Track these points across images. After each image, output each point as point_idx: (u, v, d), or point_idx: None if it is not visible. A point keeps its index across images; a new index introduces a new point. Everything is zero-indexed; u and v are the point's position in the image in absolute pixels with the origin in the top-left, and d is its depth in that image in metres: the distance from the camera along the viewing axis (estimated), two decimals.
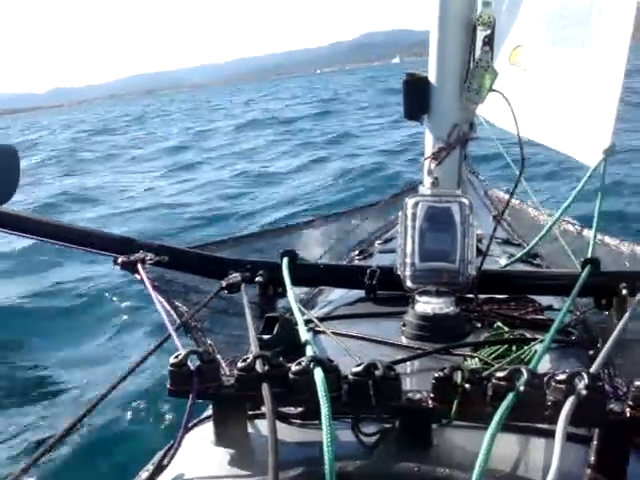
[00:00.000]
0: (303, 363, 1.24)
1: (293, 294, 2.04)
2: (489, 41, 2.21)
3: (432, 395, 1.23)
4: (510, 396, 1.16)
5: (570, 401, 1.12)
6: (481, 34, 2.21)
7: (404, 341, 2.01)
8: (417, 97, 2.30)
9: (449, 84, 2.24)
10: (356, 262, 3.43)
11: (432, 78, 2.27)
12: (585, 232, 3.67)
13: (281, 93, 70.27)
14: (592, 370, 1.31)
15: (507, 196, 5.11)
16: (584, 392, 1.12)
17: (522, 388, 1.16)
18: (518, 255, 2.84)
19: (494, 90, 2.24)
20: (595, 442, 1.20)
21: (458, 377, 1.21)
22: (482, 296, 2.23)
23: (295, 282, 2.17)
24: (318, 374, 1.20)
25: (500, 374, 1.19)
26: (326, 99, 42.83)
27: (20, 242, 9.62)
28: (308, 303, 2.65)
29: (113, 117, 67.83)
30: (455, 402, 1.20)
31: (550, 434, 1.19)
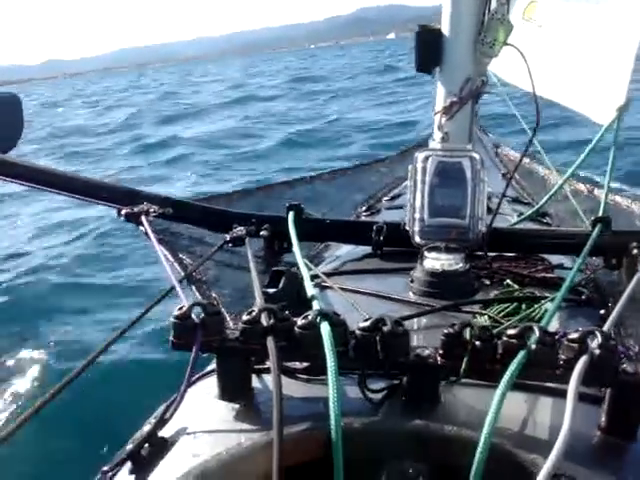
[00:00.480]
0: (309, 317, 1.22)
1: (299, 249, 2.02)
2: None
3: (441, 352, 1.21)
4: (521, 354, 1.14)
5: (583, 360, 1.10)
6: None
7: (412, 297, 1.99)
8: (429, 49, 2.24)
9: (463, 36, 2.18)
10: (363, 218, 3.41)
11: (445, 30, 2.21)
12: (596, 192, 3.62)
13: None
14: (604, 329, 1.28)
15: (517, 154, 5.07)
16: (597, 351, 1.11)
17: (534, 346, 1.14)
18: (528, 212, 2.81)
19: (509, 44, 2.18)
20: (606, 403, 1.19)
21: (468, 334, 1.19)
22: (491, 254, 2.21)
23: (301, 237, 2.14)
24: (325, 328, 1.18)
25: (511, 332, 1.17)
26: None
27: None
28: (314, 259, 2.62)
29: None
30: (465, 359, 1.18)
31: (560, 393, 1.17)
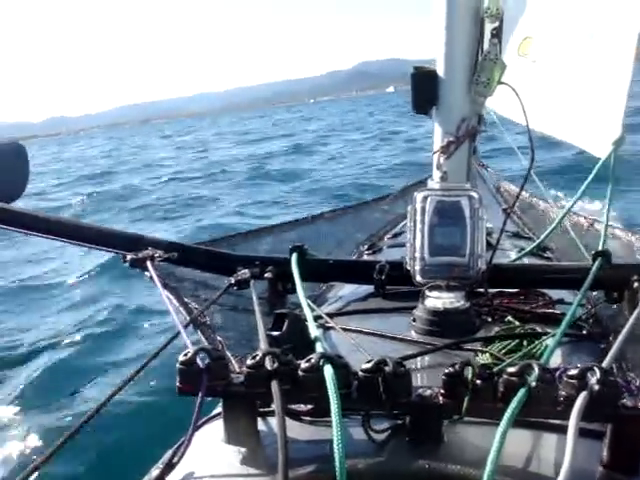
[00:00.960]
0: (313, 360, 1.23)
1: (302, 290, 2.04)
2: (497, 33, 2.20)
3: (442, 391, 1.22)
4: (521, 392, 1.15)
5: (582, 396, 1.11)
6: (489, 26, 2.20)
7: (414, 336, 2.00)
8: (425, 90, 2.28)
9: (457, 77, 2.22)
10: (365, 257, 3.42)
11: (440, 71, 2.25)
12: (596, 225, 3.64)
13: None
14: (604, 364, 1.30)
15: (517, 189, 5.10)
16: (596, 387, 1.11)
17: (533, 384, 1.15)
18: (529, 248, 2.82)
19: (503, 83, 2.22)
20: (608, 438, 1.19)
21: (469, 373, 1.20)
22: (492, 290, 2.22)
23: (304, 277, 2.16)
24: (328, 371, 1.20)
25: (511, 369, 1.18)
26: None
27: None
28: (317, 299, 2.64)
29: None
30: (466, 398, 1.19)
31: (562, 429, 1.18)
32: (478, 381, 1.19)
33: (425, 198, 2.11)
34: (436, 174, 2.26)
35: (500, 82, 2.22)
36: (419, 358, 1.80)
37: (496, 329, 1.99)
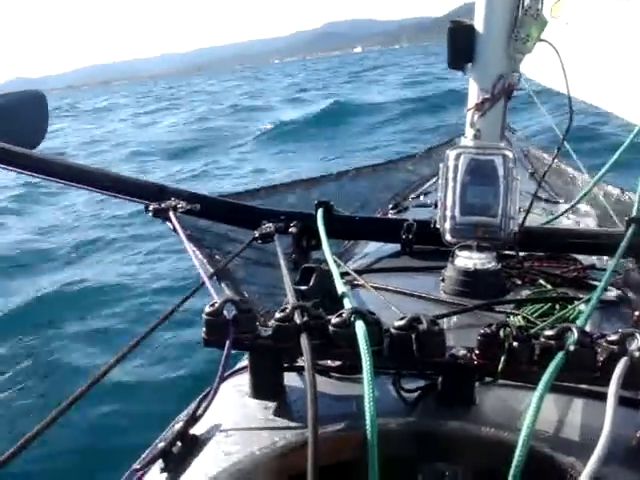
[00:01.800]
0: (344, 315, 1.20)
1: (328, 246, 2.00)
2: None
3: (477, 352, 1.19)
4: (559, 355, 1.12)
5: (623, 362, 1.08)
6: None
7: (443, 296, 1.97)
8: (462, 45, 2.21)
9: (496, 33, 2.15)
10: (390, 216, 3.38)
11: (478, 26, 2.18)
12: (628, 195, 3.57)
13: None
14: None
15: (545, 154, 5.03)
16: (637, 353, 1.08)
17: (572, 347, 1.11)
18: (561, 211, 2.77)
19: (542, 40, 2.15)
20: None
21: (504, 334, 1.17)
22: (523, 253, 2.18)
23: (330, 234, 2.12)
24: (360, 327, 1.17)
25: (549, 332, 1.15)
26: None
27: None
28: (342, 256, 2.61)
29: None
30: (501, 360, 1.16)
31: (598, 396, 1.15)
32: (514, 343, 1.16)
33: (458, 156, 2.06)
34: (469, 132, 2.21)
35: (540, 39, 2.15)
36: (449, 318, 1.77)
37: (526, 292, 1.96)
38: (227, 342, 1.23)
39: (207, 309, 1.26)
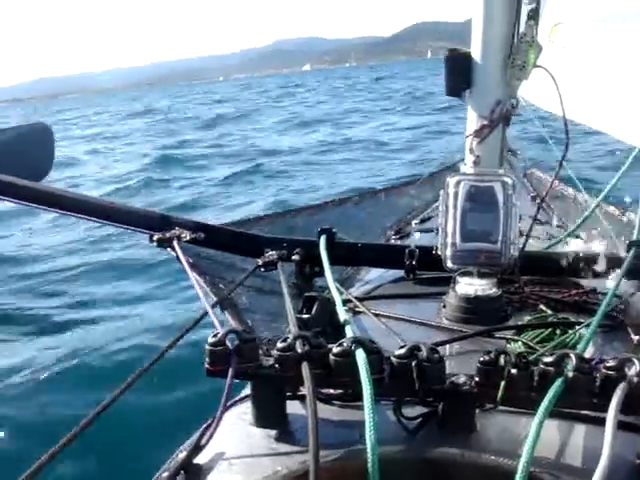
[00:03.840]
0: (345, 344, 1.21)
1: (330, 273, 2.02)
2: (534, 15, 2.15)
3: (477, 379, 1.20)
4: (558, 382, 1.13)
5: (621, 388, 1.09)
6: (526, 8, 2.15)
7: (444, 322, 1.98)
8: (459, 73, 2.23)
9: (493, 59, 2.18)
10: (393, 242, 3.40)
11: (475, 54, 2.20)
12: (629, 216, 3.57)
13: None
14: None
15: (547, 177, 5.05)
16: (636, 379, 1.09)
17: (570, 374, 1.12)
18: (562, 236, 2.78)
19: (539, 66, 2.18)
20: None
21: (504, 361, 1.18)
22: (524, 278, 2.19)
23: (332, 260, 2.14)
24: (360, 355, 1.18)
25: (547, 359, 1.16)
26: None
27: None
28: (344, 282, 2.62)
29: None
30: (501, 387, 1.17)
31: (597, 421, 1.16)
32: (513, 370, 1.17)
33: (458, 183, 2.07)
34: (469, 158, 2.22)
35: (536, 65, 2.17)
36: (450, 345, 1.78)
37: (528, 317, 1.96)
38: (229, 372, 1.24)
39: (210, 339, 1.28)
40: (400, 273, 2.38)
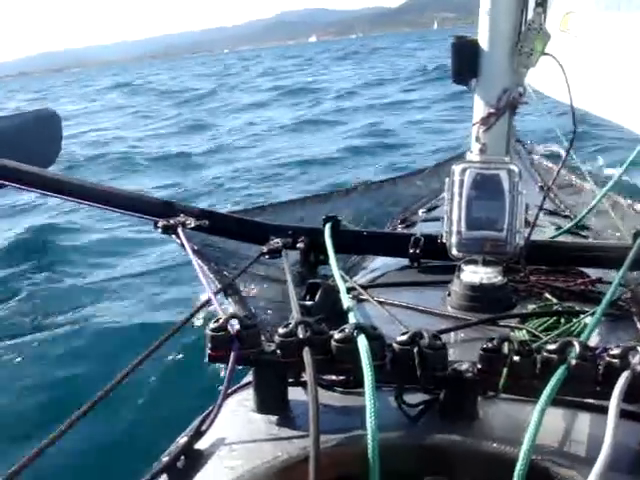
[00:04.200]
0: (346, 330, 1.21)
1: (335, 261, 2.01)
2: (542, 2, 2.13)
3: (479, 366, 1.20)
4: (561, 369, 1.12)
5: (624, 376, 1.08)
6: None
7: (449, 310, 1.97)
8: (466, 60, 2.22)
9: (500, 47, 2.16)
10: (399, 230, 3.39)
11: (482, 41, 2.18)
12: (637, 206, 3.56)
13: None
14: None
15: (553, 166, 5.02)
16: (639, 367, 1.08)
17: (574, 361, 1.12)
18: (568, 226, 2.77)
19: (546, 53, 2.16)
20: None
21: (507, 348, 1.17)
22: (529, 267, 2.18)
23: (337, 249, 2.13)
24: (362, 342, 1.17)
25: (551, 346, 1.16)
26: None
27: None
28: (350, 271, 2.61)
29: None
30: (503, 374, 1.17)
31: (600, 409, 1.16)
32: (516, 357, 1.16)
33: (464, 170, 2.06)
34: (475, 146, 2.21)
35: (543, 53, 2.15)
36: (454, 332, 1.77)
37: (533, 306, 1.95)
38: (231, 357, 1.24)
39: (211, 325, 1.27)
40: (405, 261, 2.38)
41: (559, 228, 2.87)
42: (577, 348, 1.13)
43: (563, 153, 2.40)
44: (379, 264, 2.60)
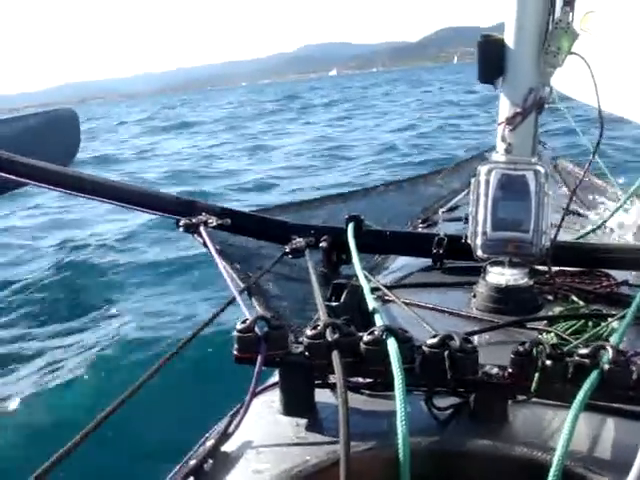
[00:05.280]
0: (376, 332, 1.20)
1: (358, 260, 2.00)
2: (570, 1, 2.11)
3: (510, 370, 1.18)
4: (594, 374, 1.11)
5: None
6: None
7: (475, 312, 1.95)
8: (492, 60, 2.19)
9: (527, 46, 2.14)
10: (420, 230, 3.37)
11: (509, 40, 2.16)
12: None
13: None
14: None
15: (575, 168, 4.99)
16: None
17: (607, 366, 1.10)
18: (593, 227, 2.74)
19: (573, 53, 2.14)
20: None
21: (538, 352, 1.15)
22: (555, 268, 2.16)
23: (360, 248, 2.12)
24: (392, 344, 1.16)
25: (583, 350, 1.14)
26: None
27: None
28: (372, 270, 2.60)
29: None
30: (535, 378, 1.15)
31: (632, 415, 1.14)
32: (548, 361, 1.14)
33: (489, 171, 2.04)
34: (500, 146, 2.19)
35: (570, 52, 2.13)
36: (480, 335, 1.75)
37: (559, 309, 1.93)
38: (258, 359, 1.23)
39: (238, 326, 1.27)
40: (428, 262, 2.36)
41: (583, 229, 2.85)
42: (610, 352, 1.11)
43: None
44: (401, 264, 2.59)
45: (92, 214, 11.81)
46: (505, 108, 2.19)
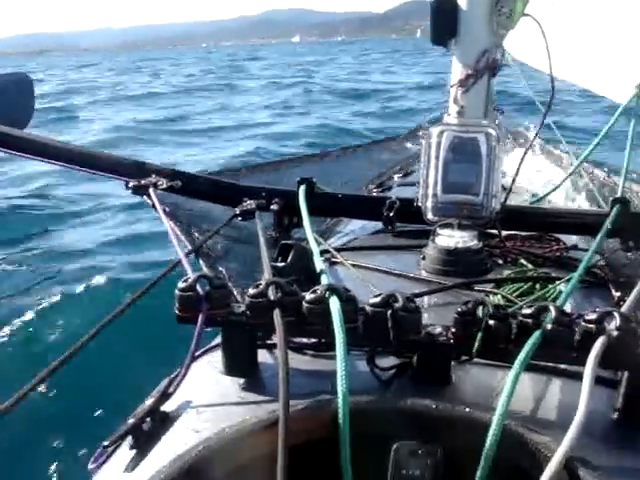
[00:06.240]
0: (318, 291, 1.18)
1: (309, 223, 1.98)
2: None
3: (453, 330, 1.17)
4: (536, 334, 1.11)
5: (600, 341, 1.07)
6: None
7: (423, 274, 1.95)
8: (445, 21, 2.17)
9: (479, 7, 2.12)
10: (374, 194, 3.36)
11: (461, 1, 2.14)
12: (614, 178, 3.56)
13: None
14: (623, 310, 1.24)
15: (531, 134, 5.02)
16: (615, 333, 1.06)
17: (549, 326, 1.10)
18: (545, 192, 2.75)
19: (526, 14, 2.13)
20: (623, 386, 1.15)
21: (481, 312, 1.15)
22: (505, 232, 2.16)
23: (312, 211, 2.09)
24: (334, 303, 1.14)
25: (526, 311, 1.14)
26: None
27: None
28: (324, 234, 2.58)
29: None
30: (478, 338, 1.14)
31: (574, 375, 1.14)
32: (491, 321, 1.14)
33: (441, 133, 2.03)
34: (453, 108, 2.18)
35: (524, 14, 2.12)
36: (428, 297, 1.75)
37: (508, 272, 1.94)
38: (199, 318, 1.21)
39: (180, 284, 1.24)
40: (380, 226, 2.35)
41: (536, 194, 2.86)
42: (553, 313, 1.11)
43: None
44: (353, 227, 2.58)
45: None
46: (457, 70, 2.18)
